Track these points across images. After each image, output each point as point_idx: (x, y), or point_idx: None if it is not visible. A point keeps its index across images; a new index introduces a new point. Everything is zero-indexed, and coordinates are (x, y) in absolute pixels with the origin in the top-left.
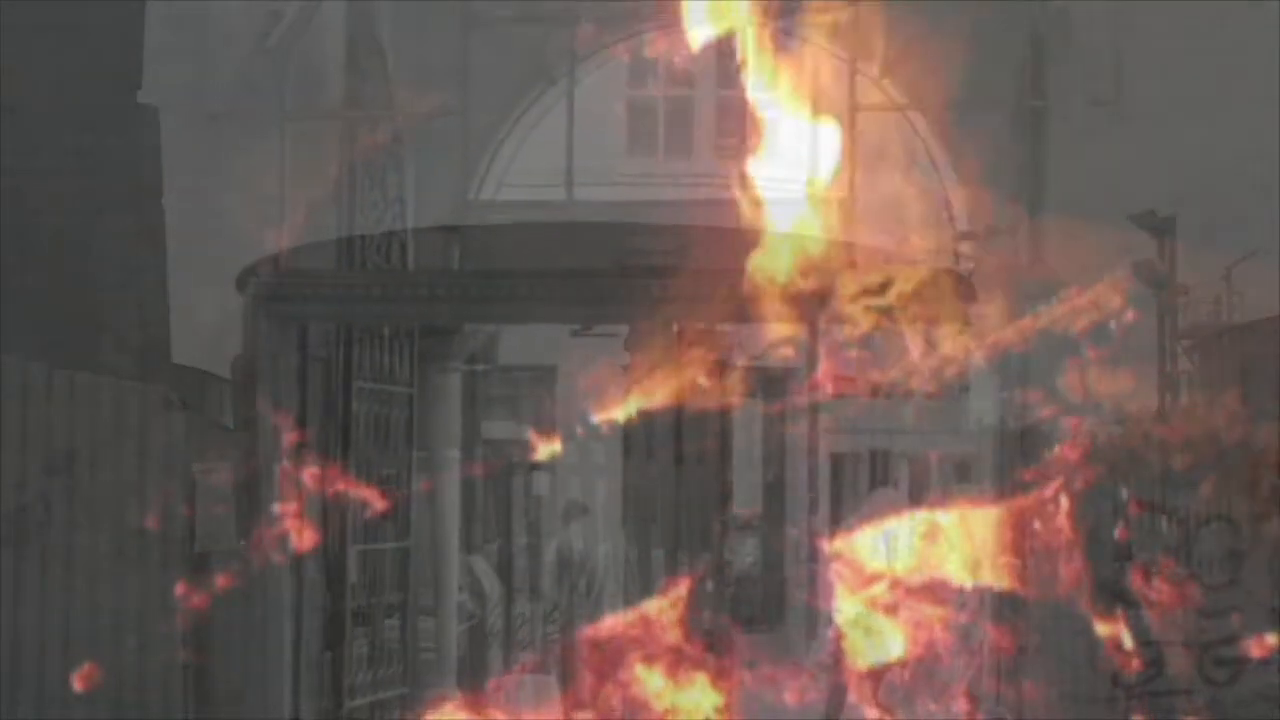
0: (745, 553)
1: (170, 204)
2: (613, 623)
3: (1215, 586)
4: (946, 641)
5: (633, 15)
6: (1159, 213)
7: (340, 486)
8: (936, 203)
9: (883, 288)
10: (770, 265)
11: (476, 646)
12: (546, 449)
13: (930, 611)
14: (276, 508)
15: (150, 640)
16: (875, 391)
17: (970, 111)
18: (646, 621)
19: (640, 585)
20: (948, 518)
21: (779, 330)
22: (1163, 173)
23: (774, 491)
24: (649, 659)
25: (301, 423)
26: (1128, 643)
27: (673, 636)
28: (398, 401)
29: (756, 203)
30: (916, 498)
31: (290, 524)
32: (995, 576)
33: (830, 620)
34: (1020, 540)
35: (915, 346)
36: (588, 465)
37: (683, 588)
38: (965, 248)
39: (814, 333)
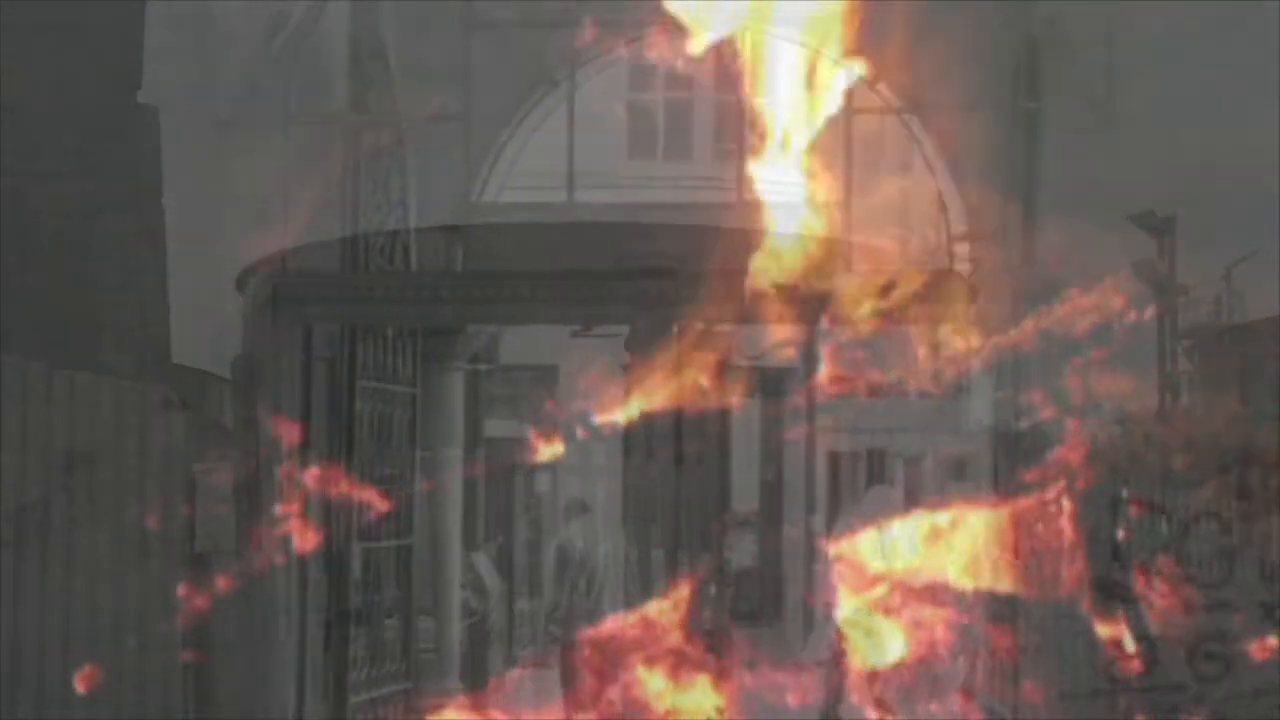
0: (744, 549)
1: (173, 205)
2: (613, 623)
3: (1207, 584)
4: (947, 642)
5: (633, 19)
6: (1159, 213)
7: (344, 485)
8: (932, 204)
9: (885, 289)
10: (770, 266)
11: (479, 642)
12: (547, 449)
13: (931, 613)
14: (277, 508)
15: (150, 640)
16: (874, 391)
17: (965, 114)
18: (647, 623)
19: (640, 585)
20: (948, 519)
21: (780, 331)
22: (1159, 174)
23: (772, 489)
24: (650, 660)
25: (306, 421)
26: (1129, 645)
27: (674, 638)
28: (401, 401)
29: (756, 204)
30: (912, 495)
31: (292, 524)
32: (995, 577)
33: (828, 614)
34: (1021, 541)
35: (920, 347)
36: (588, 465)
37: (684, 589)
38: (960, 249)
39: (813, 334)
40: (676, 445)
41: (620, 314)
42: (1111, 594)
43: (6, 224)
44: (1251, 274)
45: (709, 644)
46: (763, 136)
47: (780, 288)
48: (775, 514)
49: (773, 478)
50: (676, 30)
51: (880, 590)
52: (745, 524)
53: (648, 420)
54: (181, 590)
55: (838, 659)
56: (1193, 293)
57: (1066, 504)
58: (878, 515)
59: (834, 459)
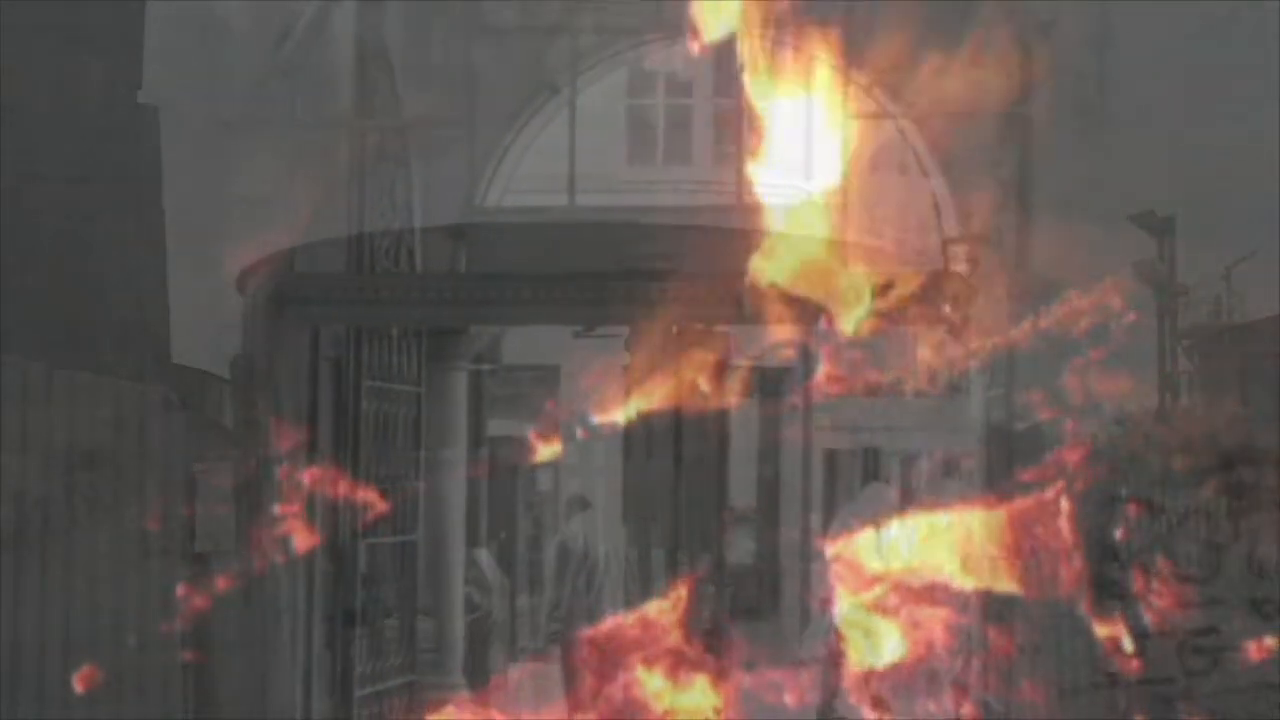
0: (741, 546)
1: (176, 206)
2: (613, 624)
3: (1196, 579)
4: (946, 642)
5: (633, 26)
6: (1158, 212)
7: (349, 483)
8: (926, 207)
9: (883, 289)
10: (769, 267)
11: (481, 637)
12: (548, 448)
13: (929, 613)
14: (277, 508)
15: (150, 640)
16: (871, 391)
17: (960, 119)
18: (646, 622)
19: (640, 584)
20: (947, 519)
21: (778, 331)
22: (1155, 175)
23: (770, 487)
24: (649, 660)
25: (313, 421)
26: (1128, 644)
27: (673, 638)
28: (406, 400)
29: (755, 207)
30: (907, 493)
31: (292, 524)
32: (992, 576)
33: (825, 610)
34: (1019, 539)
35: (918, 347)
36: (588, 464)
37: (683, 589)
38: (955, 250)
39: (810, 334)
40: (676, 445)
41: (621, 315)
42: (1109, 593)
43: (6, 224)
44: (1251, 274)
45: (708, 644)
46: (761, 140)
47: (778, 289)
48: (773, 511)
49: (770, 476)
50: (676, 35)
51: (879, 590)
52: (743, 520)
53: (647, 420)
54: (181, 590)
55: (835, 659)
56: (1193, 293)
57: (1065, 504)
58: (873, 512)
59: (831, 457)
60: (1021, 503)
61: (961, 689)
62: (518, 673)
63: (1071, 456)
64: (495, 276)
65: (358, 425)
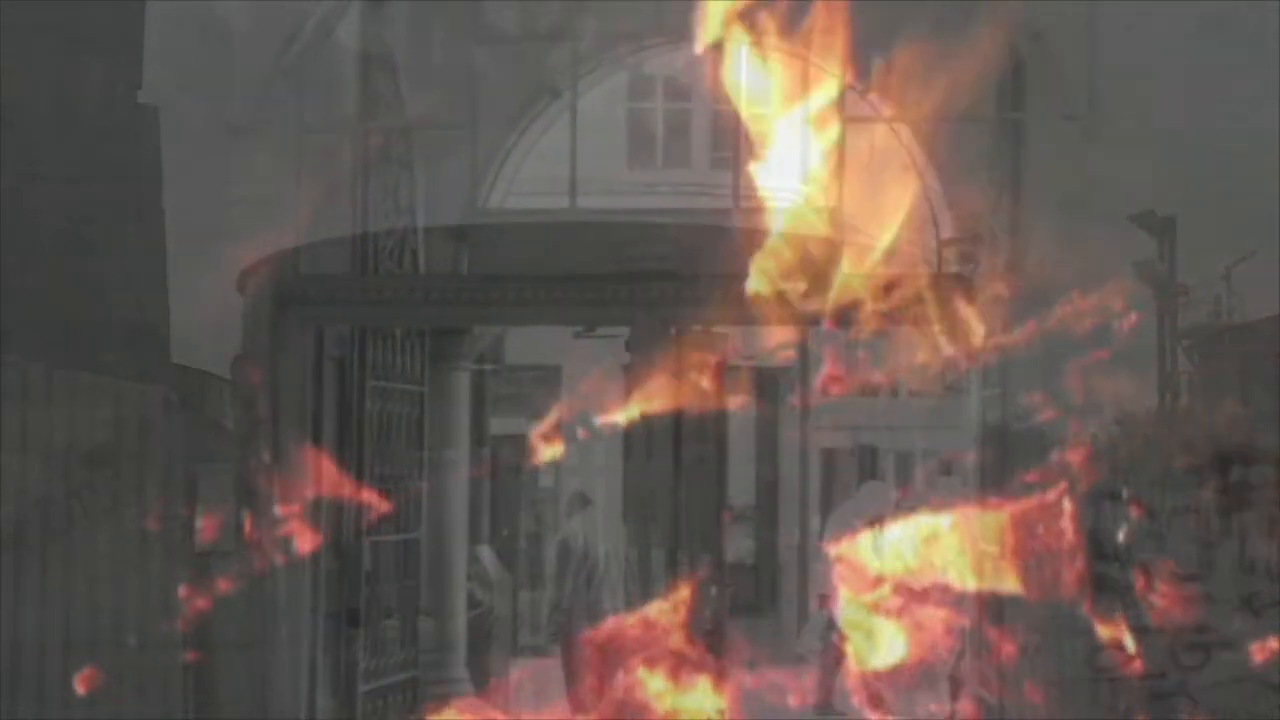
0: (741, 544)
1: (178, 206)
2: (614, 624)
3: (1195, 577)
4: (947, 642)
5: (633, 31)
6: (1157, 212)
7: (353, 482)
8: (923, 208)
9: (882, 290)
10: (768, 268)
11: (483, 633)
12: (549, 447)
13: (931, 614)
14: (277, 508)
15: (151, 640)
16: (869, 391)
17: (953, 122)
18: (647, 623)
19: (641, 585)
20: (943, 519)
21: (778, 332)
22: (1152, 175)
23: (768, 485)
24: (650, 661)
25: (317, 421)
26: (1129, 644)
27: (674, 639)
28: (410, 399)
29: (753, 209)
30: (904, 490)
31: (292, 524)
32: (990, 575)
33: (823, 607)
34: (1017, 538)
35: (917, 348)
36: (589, 464)
37: (684, 589)
38: (951, 252)
39: (810, 335)
40: (676, 445)
41: (621, 315)
42: (1110, 592)
43: (6, 224)
44: (1251, 274)
45: (709, 644)
46: (758, 143)
47: (778, 290)
48: (772, 509)
49: (769, 474)
50: (676, 40)
51: (881, 591)
52: (742, 519)
53: (648, 420)
54: (182, 590)
55: (836, 658)
56: (1193, 293)
57: (1066, 504)
58: (870, 509)
59: (829, 456)
60: (1024, 503)
61: (957, 683)
62: (519, 672)
63: (1073, 457)
64: (497, 277)
65: (362, 424)
